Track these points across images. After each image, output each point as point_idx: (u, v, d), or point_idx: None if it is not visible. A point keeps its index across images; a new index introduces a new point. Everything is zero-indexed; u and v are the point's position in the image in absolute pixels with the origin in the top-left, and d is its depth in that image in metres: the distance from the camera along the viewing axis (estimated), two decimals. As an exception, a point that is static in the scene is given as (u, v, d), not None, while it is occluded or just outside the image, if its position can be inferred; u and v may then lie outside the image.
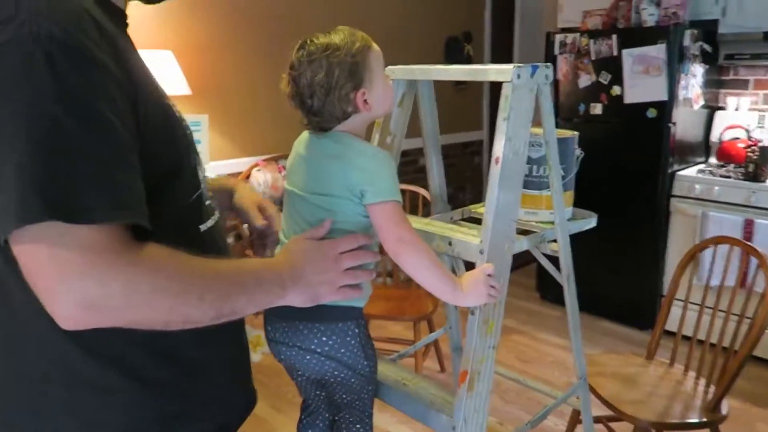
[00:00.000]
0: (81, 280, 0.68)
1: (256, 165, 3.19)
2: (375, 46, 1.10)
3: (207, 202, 0.98)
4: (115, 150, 0.72)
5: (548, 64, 1.21)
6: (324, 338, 1.10)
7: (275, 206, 1.26)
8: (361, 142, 1.10)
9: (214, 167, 3.13)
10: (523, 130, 1.16)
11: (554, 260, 1.41)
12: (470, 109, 4.91)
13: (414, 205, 3.21)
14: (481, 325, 1.12)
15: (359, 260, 1.03)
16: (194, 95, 2.81)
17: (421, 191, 3.09)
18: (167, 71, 2.62)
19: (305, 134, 1.17)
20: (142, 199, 0.75)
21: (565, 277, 1.37)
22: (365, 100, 1.07)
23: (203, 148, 2.77)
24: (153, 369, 0.87)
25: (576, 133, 1.49)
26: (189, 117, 2.76)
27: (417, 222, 1.28)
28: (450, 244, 1.19)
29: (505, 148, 1.12)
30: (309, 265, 0.97)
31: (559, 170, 1.32)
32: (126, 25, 0.94)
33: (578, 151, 1.50)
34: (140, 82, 0.81)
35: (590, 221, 1.50)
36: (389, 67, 1.31)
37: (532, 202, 1.45)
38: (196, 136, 1.08)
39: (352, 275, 1.02)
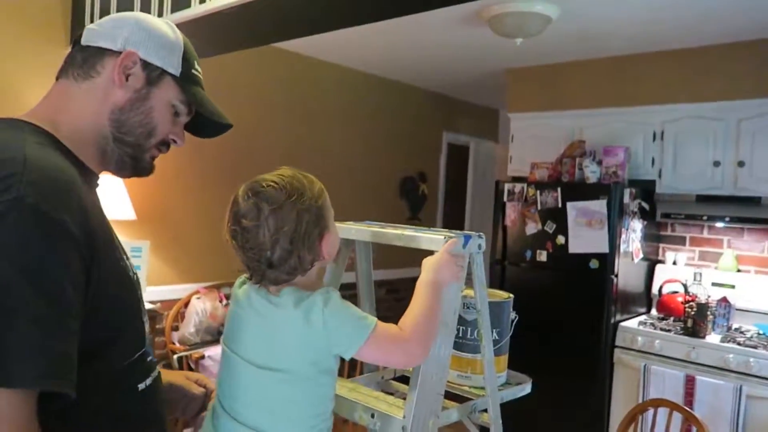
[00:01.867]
0: None
1: (197, 292, 3.10)
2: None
3: (149, 358, 0.97)
4: (59, 317, 0.73)
5: (481, 233, 1.24)
6: None
7: (200, 374, 1.21)
8: (301, 292, 0.98)
9: (153, 293, 3.03)
10: (454, 299, 1.16)
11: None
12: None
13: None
14: None
15: None
16: (138, 220, 2.79)
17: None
18: (115, 197, 2.61)
19: (243, 288, 1.06)
20: (73, 368, 0.75)
21: (496, 452, 1.30)
22: (324, 253, 1.02)
23: (143, 274, 2.69)
24: None
25: (511, 296, 1.50)
26: (130, 243, 2.70)
27: (342, 387, 1.22)
28: (373, 416, 1.13)
29: (433, 318, 1.11)
30: None
31: (490, 338, 1.30)
32: (97, 185, 1.00)
33: (513, 315, 1.50)
34: (100, 246, 0.82)
35: (524, 388, 1.46)
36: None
37: (466, 365, 1.41)
38: (136, 261, 1.06)
39: None
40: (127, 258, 0.98)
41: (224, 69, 3.42)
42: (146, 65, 0.95)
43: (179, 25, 2.27)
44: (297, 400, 0.97)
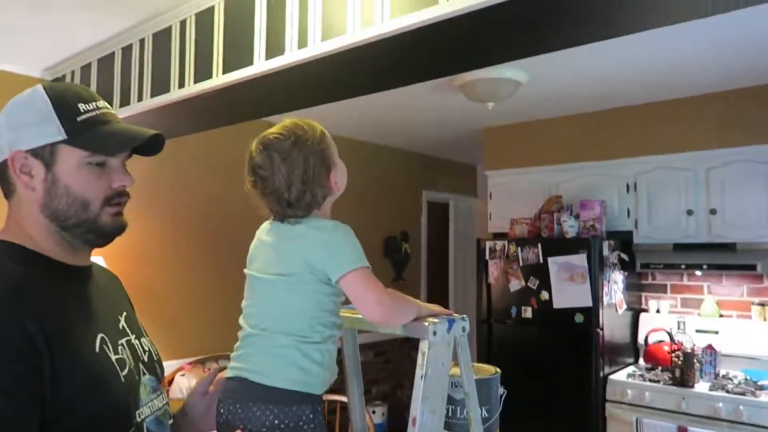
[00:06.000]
0: None
1: (181, 369, 3.05)
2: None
3: None
4: None
5: (465, 316, 1.25)
6: (276, 421, 1.06)
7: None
8: (321, 219, 1.13)
9: (136, 371, 2.97)
10: (441, 386, 1.16)
11: None
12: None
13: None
14: None
15: None
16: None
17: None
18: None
19: (267, 223, 1.21)
20: None
21: None
22: (335, 182, 1.16)
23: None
24: None
25: (498, 370, 1.51)
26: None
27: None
28: None
29: (422, 407, 1.11)
30: None
31: (479, 419, 1.30)
32: (86, 276, 1.00)
33: (501, 390, 1.50)
34: (64, 347, 0.84)
35: (517, 465, 1.45)
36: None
37: (456, 445, 1.40)
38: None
39: None
40: (128, 339, 1.00)
41: (208, 143, 3.47)
42: (35, 153, 0.92)
43: (159, 110, 2.33)
44: (296, 299, 1.09)
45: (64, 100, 0.94)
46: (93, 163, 0.93)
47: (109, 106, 1.00)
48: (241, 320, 1.19)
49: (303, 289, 1.09)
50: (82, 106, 0.94)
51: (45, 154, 0.92)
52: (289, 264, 1.10)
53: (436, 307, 1.22)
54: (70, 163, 0.92)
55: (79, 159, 0.92)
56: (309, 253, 1.08)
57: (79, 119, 0.93)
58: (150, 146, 1.00)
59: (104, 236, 0.97)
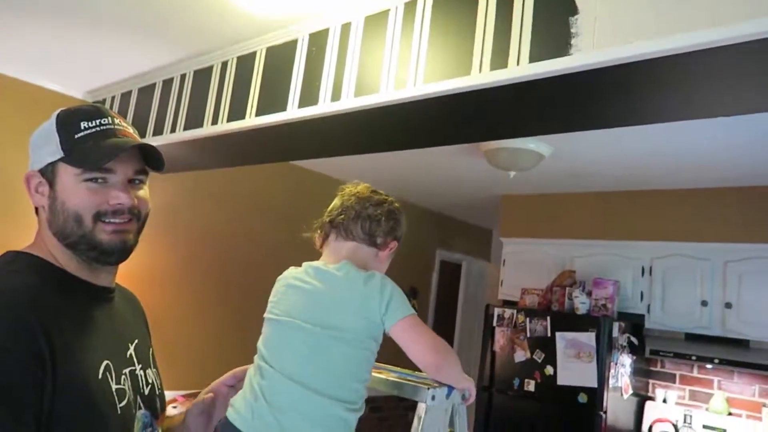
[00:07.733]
0: None
1: (174, 400, 3.01)
2: None
3: None
4: None
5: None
6: None
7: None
8: (364, 271, 1.15)
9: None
10: (434, 453, 1.14)
11: None
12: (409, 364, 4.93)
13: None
14: None
15: None
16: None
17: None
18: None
19: (296, 270, 1.22)
20: None
21: None
22: (386, 253, 1.21)
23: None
24: None
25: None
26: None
27: None
28: None
29: (412, 473, 1.09)
30: None
31: (470, 494, 1.26)
32: (105, 298, 1.01)
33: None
34: (66, 368, 0.84)
35: None
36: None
37: None
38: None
39: None
40: (132, 369, 0.99)
41: (231, 179, 3.53)
42: (43, 172, 0.96)
43: (190, 143, 2.39)
44: (349, 356, 1.09)
45: (67, 120, 0.96)
46: (91, 179, 0.94)
47: (123, 123, 1.00)
48: (265, 366, 1.13)
49: (359, 347, 1.10)
50: (83, 124, 0.95)
51: (49, 173, 0.95)
52: (345, 317, 1.10)
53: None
54: (67, 180, 0.94)
55: (74, 176, 0.94)
56: (367, 303, 1.10)
57: (76, 137, 0.94)
58: (155, 159, 1.00)
59: (106, 253, 0.96)
